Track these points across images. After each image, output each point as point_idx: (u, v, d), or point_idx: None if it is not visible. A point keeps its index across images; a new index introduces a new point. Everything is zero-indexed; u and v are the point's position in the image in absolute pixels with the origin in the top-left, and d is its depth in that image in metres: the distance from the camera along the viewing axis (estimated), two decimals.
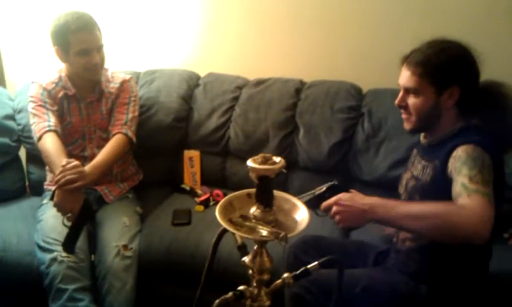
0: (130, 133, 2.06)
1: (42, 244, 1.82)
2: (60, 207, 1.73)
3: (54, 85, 2.06)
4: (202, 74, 2.53)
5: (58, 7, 2.54)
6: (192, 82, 2.48)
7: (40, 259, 1.81)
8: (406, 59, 1.41)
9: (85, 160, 2.01)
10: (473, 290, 1.42)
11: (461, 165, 1.26)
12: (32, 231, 1.95)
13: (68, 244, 1.72)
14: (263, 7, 2.45)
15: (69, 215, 1.73)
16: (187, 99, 2.43)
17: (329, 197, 1.39)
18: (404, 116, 1.46)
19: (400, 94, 1.44)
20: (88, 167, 1.83)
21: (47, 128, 1.95)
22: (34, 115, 2.00)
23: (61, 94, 2.06)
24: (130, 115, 2.10)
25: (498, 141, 1.33)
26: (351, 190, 1.44)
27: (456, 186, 1.24)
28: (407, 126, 1.46)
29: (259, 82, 2.39)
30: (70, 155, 1.99)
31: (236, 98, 2.38)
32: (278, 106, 2.27)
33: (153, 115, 2.37)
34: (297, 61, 2.47)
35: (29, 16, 2.63)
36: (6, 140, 2.27)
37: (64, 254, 1.74)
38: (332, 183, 1.47)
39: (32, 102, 2.03)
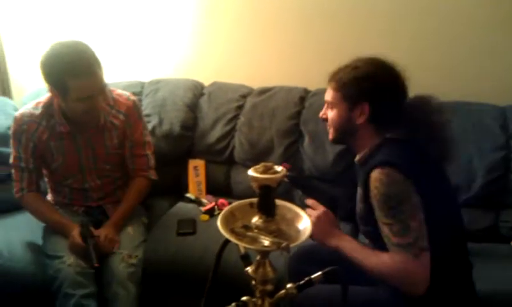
0: (153, 176, 2.06)
1: (50, 252, 1.83)
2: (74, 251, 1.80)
3: (36, 125, 1.84)
4: (206, 83, 2.54)
5: (64, 15, 2.58)
6: (197, 91, 2.49)
7: (48, 264, 1.80)
8: (331, 75, 1.47)
9: (86, 192, 1.99)
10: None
11: (378, 208, 1.28)
12: (38, 241, 1.95)
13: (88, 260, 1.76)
14: (267, 16, 2.46)
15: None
16: (193, 108, 2.43)
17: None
18: (327, 127, 1.52)
19: (324, 107, 1.52)
20: (113, 219, 1.92)
21: (26, 191, 1.92)
22: (12, 165, 1.91)
23: (45, 136, 1.85)
24: (150, 155, 2.05)
25: (418, 152, 1.34)
26: None
27: (382, 231, 1.29)
28: (329, 136, 1.52)
29: (263, 91, 2.39)
30: (69, 188, 1.98)
31: (240, 107, 2.38)
32: (282, 114, 2.27)
33: (159, 124, 2.38)
34: (301, 69, 2.47)
35: (36, 25, 2.65)
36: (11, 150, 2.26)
37: (72, 259, 1.76)
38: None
39: (11, 145, 1.90)
